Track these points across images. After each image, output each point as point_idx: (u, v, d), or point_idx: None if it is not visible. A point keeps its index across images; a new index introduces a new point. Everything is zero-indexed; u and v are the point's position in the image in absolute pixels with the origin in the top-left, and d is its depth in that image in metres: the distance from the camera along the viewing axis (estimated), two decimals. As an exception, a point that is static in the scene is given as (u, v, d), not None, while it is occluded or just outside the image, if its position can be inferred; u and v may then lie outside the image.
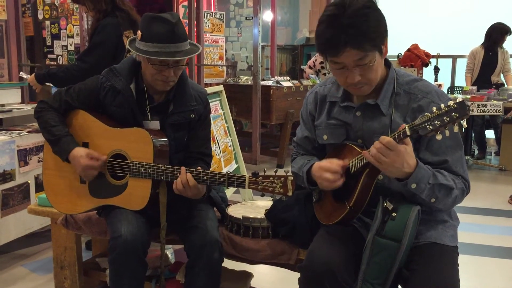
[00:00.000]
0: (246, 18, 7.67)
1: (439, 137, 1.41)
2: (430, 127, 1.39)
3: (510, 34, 5.87)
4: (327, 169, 1.64)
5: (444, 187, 1.56)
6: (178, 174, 1.87)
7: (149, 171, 1.90)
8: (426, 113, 1.41)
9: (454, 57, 7.21)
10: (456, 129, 1.40)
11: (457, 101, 1.38)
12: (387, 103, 1.66)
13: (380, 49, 1.57)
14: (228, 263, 2.07)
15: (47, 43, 4.82)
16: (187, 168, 1.86)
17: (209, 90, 3.58)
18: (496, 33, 5.89)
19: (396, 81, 1.68)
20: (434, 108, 1.40)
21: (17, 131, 3.17)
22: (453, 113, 1.37)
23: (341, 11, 1.53)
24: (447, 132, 1.40)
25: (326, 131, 1.78)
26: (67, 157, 1.96)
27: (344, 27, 1.51)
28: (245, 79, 6.14)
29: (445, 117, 1.37)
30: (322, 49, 1.59)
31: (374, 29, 1.53)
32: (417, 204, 1.58)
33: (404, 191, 1.63)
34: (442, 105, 1.39)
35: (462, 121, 1.39)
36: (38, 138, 3.11)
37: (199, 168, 1.86)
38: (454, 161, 1.61)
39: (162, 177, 1.89)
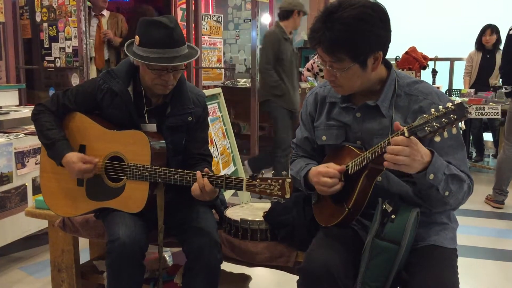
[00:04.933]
0: (244, 20, 7.66)
1: (437, 139, 1.40)
2: (429, 129, 1.38)
3: (493, 32, 5.84)
4: (325, 174, 1.63)
5: (457, 178, 1.54)
6: (175, 177, 1.86)
7: (147, 173, 1.89)
8: (424, 115, 1.41)
9: (451, 60, 7.22)
10: (454, 130, 1.40)
11: (455, 103, 1.38)
12: (387, 104, 1.65)
13: (362, 62, 1.57)
14: (226, 266, 2.07)
15: (45, 46, 4.81)
16: (202, 173, 1.83)
17: (207, 92, 3.58)
18: (480, 32, 5.93)
19: (397, 82, 1.67)
20: (433, 110, 1.40)
21: (15, 134, 3.16)
22: (451, 115, 1.36)
23: (334, 10, 1.54)
24: (445, 134, 1.39)
25: (325, 132, 1.78)
26: (60, 161, 1.95)
27: (325, 27, 1.54)
28: (243, 82, 6.14)
29: (443, 119, 1.37)
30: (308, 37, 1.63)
31: (355, 41, 1.53)
32: (416, 207, 1.58)
33: (403, 193, 1.63)
34: (440, 107, 1.38)
35: (460, 123, 1.38)
36: (35, 141, 3.09)
37: (206, 169, 1.85)
38: (458, 161, 1.60)
39: (159, 180, 1.88)
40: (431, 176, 1.47)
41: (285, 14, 4.42)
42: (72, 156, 1.93)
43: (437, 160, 1.48)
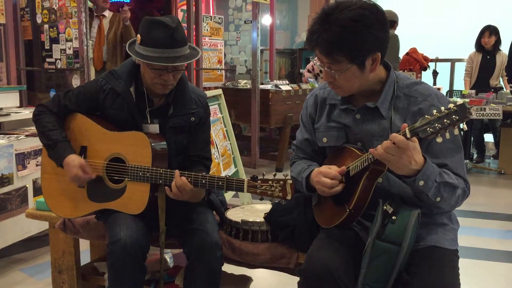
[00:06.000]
0: (245, 22, 7.66)
1: (439, 139, 1.40)
2: (431, 129, 1.38)
3: (491, 34, 5.85)
4: (326, 174, 1.63)
5: (449, 186, 1.55)
6: (175, 178, 1.86)
7: (148, 175, 1.89)
8: (426, 116, 1.41)
9: (452, 61, 7.22)
10: (456, 131, 1.40)
11: (458, 103, 1.38)
12: (387, 106, 1.65)
13: (360, 63, 1.57)
14: (227, 267, 2.06)
15: (46, 47, 4.81)
16: (181, 172, 1.84)
17: (208, 94, 3.57)
18: (479, 33, 5.93)
19: (396, 84, 1.67)
20: (435, 111, 1.40)
21: (15, 135, 3.16)
22: (454, 116, 1.36)
23: (331, 12, 1.54)
24: (447, 135, 1.39)
25: (326, 133, 1.78)
26: (61, 163, 1.95)
27: (322, 28, 1.54)
28: (244, 83, 6.14)
29: (445, 120, 1.37)
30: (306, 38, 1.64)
31: (352, 43, 1.53)
32: (417, 208, 1.57)
33: (404, 194, 1.63)
34: (442, 108, 1.38)
35: (462, 124, 1.38)
36: (36, 142, 3.09)
37: (198, 170, 1.86)
38: (454, 164, 1.60)
39: (160, 181, 1.88)
40: (421, 183, 1.49)
41: (391, 23, 5.19)
42: (74, 159, 1.93)
43: (428, 167, 1.49)
